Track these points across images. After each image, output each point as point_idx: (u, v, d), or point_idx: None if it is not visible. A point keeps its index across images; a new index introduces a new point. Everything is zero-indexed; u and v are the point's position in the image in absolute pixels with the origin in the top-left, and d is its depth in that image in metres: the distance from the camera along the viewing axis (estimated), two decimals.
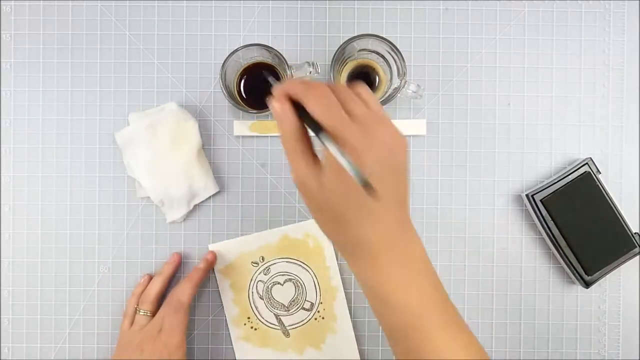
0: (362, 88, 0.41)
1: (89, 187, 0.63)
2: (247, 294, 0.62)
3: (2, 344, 0.63)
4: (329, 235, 0.42)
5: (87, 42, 0.63)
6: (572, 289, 0.63)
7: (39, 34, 0.63)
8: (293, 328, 0.62)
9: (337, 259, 0.63)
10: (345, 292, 0.63)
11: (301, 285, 0.63)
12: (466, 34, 0.64)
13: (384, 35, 0.57)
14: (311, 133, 0.41)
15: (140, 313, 0.59)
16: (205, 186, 0.62)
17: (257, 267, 0.63)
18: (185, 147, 0.61)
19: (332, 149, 0.37)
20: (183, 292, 0.58)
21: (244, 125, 0.63)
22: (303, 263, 0.63)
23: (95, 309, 0.63)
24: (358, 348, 0.63)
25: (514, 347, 0.63)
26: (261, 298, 0.62)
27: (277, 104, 0.40)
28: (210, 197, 0.63)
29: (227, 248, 0.63)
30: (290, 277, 0.63)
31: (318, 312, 0.62)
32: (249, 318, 0.62)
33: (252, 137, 0.63)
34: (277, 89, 0.40)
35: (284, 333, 0.62)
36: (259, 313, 0.62)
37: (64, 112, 0.63)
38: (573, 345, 0.63)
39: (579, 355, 0.63)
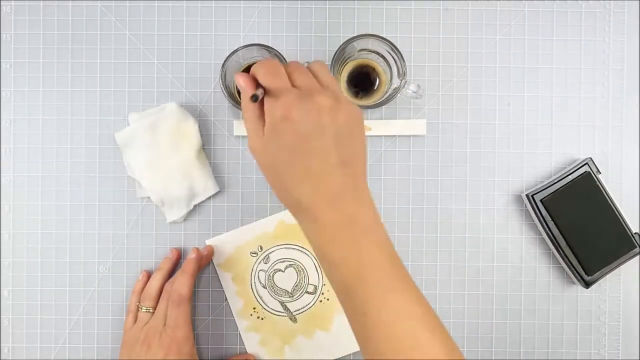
0: (316, 63, 0.44)
1: (89, 187, 0.63)
2: (250, 285, 0.62)
3: (2, 344, 0.63)
4: (277, 196, 0.43)
5: (87, 42, 0.63)
6: (572, 289, 0.63)
7: (39, 34, 0.63)
8: (299, 313, 0.62)
9: None
10: None
11: (303, 270, 0.63)
12: (466, 34, 0.64)
13: (384, 35, 0.57)
14: None
15: (143, 310, 0.59)
16: (205, 186, 0.62)
17: (257, 257, 0.63)
18: (185, 147, 0.61)
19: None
20: (182, 284, 0.57)
21: (244, 125, 0.63)
22: (302, 247, 0.63)
23: (95, 309, 0.63)
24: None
25: (514, 347, 0.63)
26: (264, 287, 0.62)
27: (239, 75, 0.43)
28: (210, 197, 0.63)
29: (224, 241, 0.63)
30: (290, 262, 0.63)
31: (322, 294, 0.62)
32: (254, 308, 0.62)
33: None
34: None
35: (291, 319, 0.62)
36: (263, 302, 0.62)
37: (64, 112, 0.63)
38: (573, 345, 0.63)
39: (579, 355, 0.63)
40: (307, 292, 0.62)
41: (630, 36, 0.64)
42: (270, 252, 0.63)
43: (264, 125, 0.42)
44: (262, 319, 0.62)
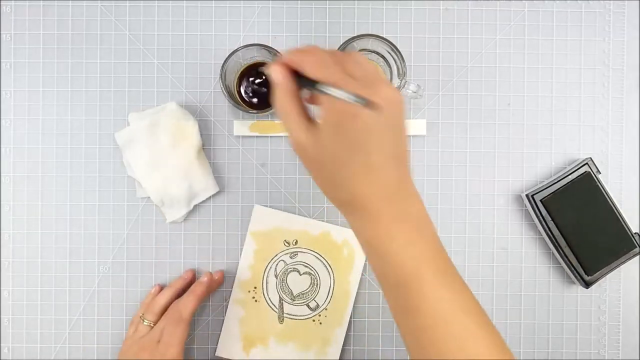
0: (358, 54, 0.42)
1: (89, 187, 0.63)
2: (265, 266, 0.63)
3: (2, 344, 0.63)
4: (326, 193, 0.41)
5: (87, 42, 0.63)
6: (572, 289, 0.63)
7: (39, 34, 0.63)
8: (289, 318, 0.62)
9: (360, 275, 0.63)
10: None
11: (317, 284, 0.63)
12: (466, 34, 0.64)
13: (384, 35, 0.57)
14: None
15: (144, 323, 0.59)
16: (205, 186, 0.62)
17: (287, 248, 0.63)
18: (185, 147, 0.61)
19: (331, 91, 0.37)
20: (185, 305, 0.58)
21: (244, 125, 0.63)
22: (329, 265, 0.63)
23: (95, 309, 0.63)
24: (358, 348, 0.63)
25: (514, 347, 0.63)
26: (275, 276, 0.63)
27: (274, 67, 0.40)
28: (210, 197, 0.63)
29: (271, 216, 0.63)
30: (311, 271, 0.63)
31: (319, 315, 0.62)
32: (255, 288, 0.63)
33: (252, 137, 0.63)
34: (276, 60, 0.41)
35: (279, 318, 0.62)
36: (266, 289, 0.63)
37: (64, 112, 0.63)
38: (573, 345, 0.63)
39: (579, 355, 0.63)
40: (308, 306, 0.62)
41: (630, 36, 0.64)
42: (300, 252, 0.63)
43: (307, 119, 0.39)
44: (256, 301, 0.62)
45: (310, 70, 0.38)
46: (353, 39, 0.57)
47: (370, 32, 0.60)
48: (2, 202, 0.63)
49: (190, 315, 0.58)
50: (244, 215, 0.63)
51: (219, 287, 0.63)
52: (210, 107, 0.63)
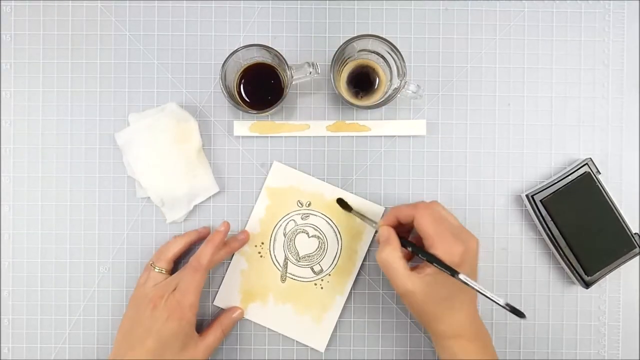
0: (441, 206, 0.55)
1: (89, 187, 0.63)
2: (275, 225, 0.63)
3: (2, 344, 0.63)
4: (425, 325, 0.56)
5: (87, 42, 0.63)
6: (572, 289, 0.63)
7: (39, 35, 0.63)
8: (292, 278, 0.63)
9: (368, 246, 0.63)
10: (358, 276, 0.63)
11: (324, 248, 0.63)
12: (466, 34, 0.64)
13: (384, 36, 0.57)
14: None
15: (156, 270, 0.59)
16: (206, 186, 0.62)
17: (300, 209, 0.63)
18: (185, 147, 0.61)
19: (477, 286, 0.50)
20: (203, 253, 0.57)
21: (244, 125, 0.63)
22: (339, 232, 0.63)
23: (95, 309, 0.63)
24: (358, 349, 0.63)
25: (514, 347, 0.63)
26: (284, 235, 0.63)
27: (384, 229, 0.55)
28: (210, 197, 0.63)
29: (289, 174, 0.63)
30: (319, 235, 0.63)
31: (322, 280, 0.63)
32: (262, 243, 0.63)
33: (252, 137, 0.63)
34: (387, 216, 0.56)
35: (281, 277, 0.63)
36: (273, 246, 0.63)
37: (64, 113, 0.63)
38: (573, 345, 0.63)
39: (579, 356, 0.63)
40: (312, 269, 0.63)
41: (630, 36, 0.64)
42: (312, 214, 0.63)
43: (409, 271, 0.53)
44: (261, 256, 0.63)
45: (427, 228, 0.53)
46: (353, 39, 0.57)
47: (370, 32, 0.60)
48: (2, 202, 0.63)
49: (207, 263, 0.57)
50: (244, 215, 0.63)
51: (244, 244, 0.62)
52: (210, 107, 0.63)
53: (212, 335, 0.59)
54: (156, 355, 0.54)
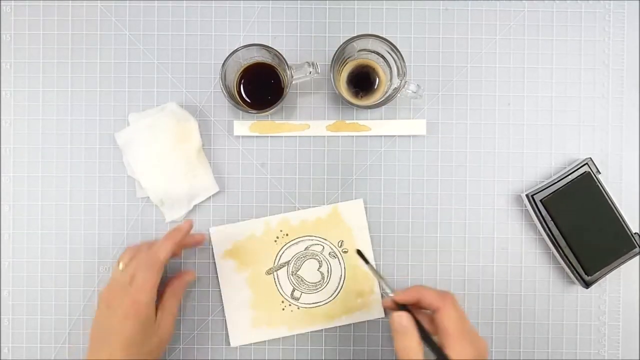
0: (458, 307, 0.52)
1: (89, 187, 0.63)
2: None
3: (2, 344, 0.63)
4: None
5: (87, 42, 0.63)
6: (572, 289, 0.63)
7: (39, 34, 0.63)
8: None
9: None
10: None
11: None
12: (466, 34, 0.64)
13: (384, 35, 0.57)
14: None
15: (119, 267, 0.56)
16: (205, 186, 0.62)
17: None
18: (185, 147, 0.61)
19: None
20: (159, 248, 0.55)
21: (244, 125, 0.63)
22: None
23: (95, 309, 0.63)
24: (358, 348, 0.63)
25: (514, 347, 0.63)
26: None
27: (403, 315, 0.51)
28: (210, 197, 0.63)
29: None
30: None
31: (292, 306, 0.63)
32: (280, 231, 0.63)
33: (252, 137, 0.63)
34: (409, 291, 0.52)
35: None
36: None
37: (64, 112, 0.63)
38: (573, 345, 0.63)
39: (579, 355, 0.63)
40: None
41: (630, 36, 0.64)
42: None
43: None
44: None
45: (449, 324, 0.50)
46: (353, 39, 0.57)
47: (370, 32, 0.60)
48: (2, 202, 0.63)
49: (164, 258, 0.54)
50: (244, 216, 0.63)
51: (197, 246, 0.62)
52: (210, 107, 0.63)
53: (168, 311, 0.56)
54: (124, 351, 0.52)
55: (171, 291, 0.58)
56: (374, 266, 0.61)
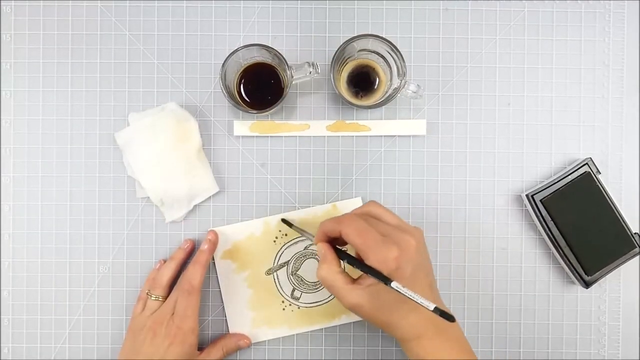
0: (375, 206, 0.53)
1: (89, 187, 0.63)
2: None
3: (2, 344, 0.63)
4: (386, 331, 0.53)
5: (87, 42, 0.63)
6: (572, 289, 0.63)
7: (39, 34, 0.63)
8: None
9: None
10: None
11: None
12: (466, 34, 0.64)
13: (384, 35, 0.57)
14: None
15: (152, 298, 0.59)
16: (206, 186, 0.62)
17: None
18: (185, 147, 0.61)
19: (408, 293, 0.47)
20: (193, 275, 0.58)
21: (244, 125, 0.63)
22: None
23: (95, 309, 0.63)
24: (358, 348, 0.63)
25: (514, 347, 0.63)
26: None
27: (320, 245, 0.53)
28: (210, 197, 0.63)
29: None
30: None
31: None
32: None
33: (252, 137, 0.63)
34: (317, 232, 0.53)
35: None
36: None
37: (64, 112, 0.63)
38: (573, 345, 0.63)
39: (579, 355, 0.63)
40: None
41: (630, 36, 0.64)
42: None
43: (352, 284, 0.50)
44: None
45: (354, 240, 0.49)
46: (353, 39, 0.57)
47: (370, 32, 0.60)
48: (2, 202, 0.63)
49: (199, 284, 0.58)
50: (244, 216, 0.63)
51: (216, 246, 0.62)
52: (210, 107, 0.63)
53: (214, 356, 0.60)
54: None
55: (220, 345, 0.61)
56: (298, 227, 0.61)
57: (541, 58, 0.64)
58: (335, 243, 0.54)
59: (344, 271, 0.51)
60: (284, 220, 0.62)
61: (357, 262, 0.50)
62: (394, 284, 0.48)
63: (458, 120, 0.63)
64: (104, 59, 0.63)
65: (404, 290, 0.47)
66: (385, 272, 0.49)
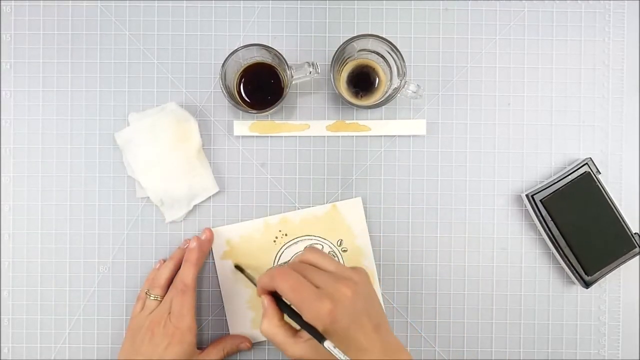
0: (312, 254, 0.52)
1: (89, 187, 0.63)
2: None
3: (2, 344, 0.63)
4: None
5: (87, 42, 0.63)
6: (572, 289, 0.63)
7: (39, 34, 0.63)
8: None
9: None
10: None
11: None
12: (466, 34, 0.64)
13: (384, 35, 0.57)
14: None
15: (151, 298, 0.59)
16: (205, 186, 0.62)
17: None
18: (185, 147, 0.61)
19: (339, 355, 0.46)
20: (186, 274, 0.58)
21: (244, 125, 0.63)
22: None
23: (95, 309, 0.63)
24: None
25: (513, 347, 0.63)
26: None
27: (263, 297, 0.51)
28: (210, 197, 0.63)
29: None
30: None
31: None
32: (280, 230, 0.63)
33: (252, 137, 0.63)
34: (257, 286, 0.52)
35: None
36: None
37: (64, 112, 0.63)
38: (573, 345, 0.63)
39: (579, 355, 0.63)
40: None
41: (630, 36, 0.64)
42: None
43: (294, 335, 0.49)
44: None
45: (287, 296, 0.48)
46: (353, 39, 0.57)
47: (370, 32, 0.60)
48: (2, 202, 0.63)
49: (192, 282, 0.58)
50: (244, 216, 0.63)
51: (211, 244, 0.62)
52: (210, 107, 0.63)
53: (214, 356, 0.60)
54: None
55: (221, 346, 0.61)
56: (251, 275, 0.61)
57: (541, 58, 0.64)
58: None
59: (285, 324, 0.50)
60: (236, 266, 0.62)
61: (296, 316, 0.49)
62: (326, 344, 0.46)
63: (458, 120, 0.63)
64: (103, 59, 0.63)
65: (334, 351, 0.46)
66: (320, 328, 0.47)
